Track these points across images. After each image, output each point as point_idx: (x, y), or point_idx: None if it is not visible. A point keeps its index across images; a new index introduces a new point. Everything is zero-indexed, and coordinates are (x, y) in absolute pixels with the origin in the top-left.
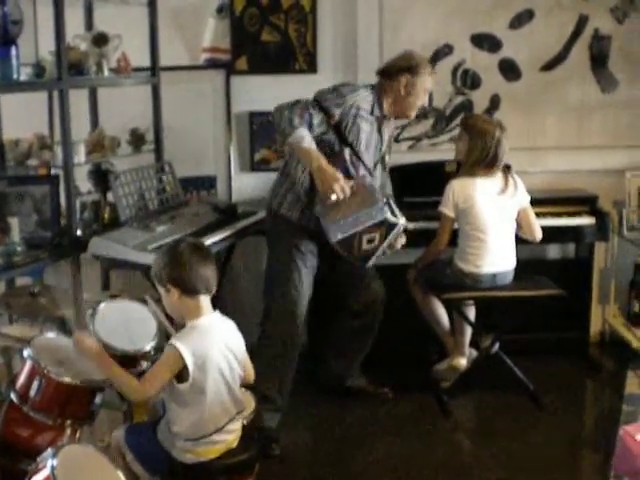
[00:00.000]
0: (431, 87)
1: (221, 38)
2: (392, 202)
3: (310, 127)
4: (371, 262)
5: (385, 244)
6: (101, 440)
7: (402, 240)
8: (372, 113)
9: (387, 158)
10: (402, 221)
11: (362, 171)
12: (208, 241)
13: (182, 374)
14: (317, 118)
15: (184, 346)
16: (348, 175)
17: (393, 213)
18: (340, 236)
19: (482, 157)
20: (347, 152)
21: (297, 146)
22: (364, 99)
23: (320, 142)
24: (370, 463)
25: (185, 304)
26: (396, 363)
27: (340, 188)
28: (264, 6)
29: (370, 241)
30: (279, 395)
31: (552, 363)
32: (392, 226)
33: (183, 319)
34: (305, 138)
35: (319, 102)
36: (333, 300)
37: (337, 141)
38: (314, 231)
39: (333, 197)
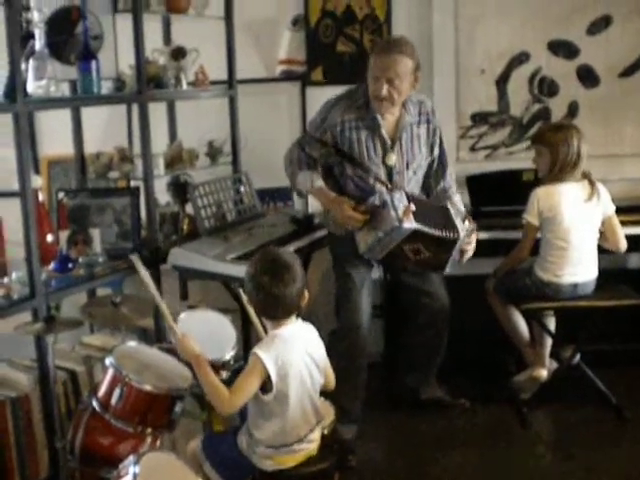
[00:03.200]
0: (380, 74)
1: (296, 50)
2: (452, 210)
3: (313, 161)
4: (447, 269)
5: (453, 252)
6: (181, 449)
7: (471, 245)
8: (361, 118)
9: (424, 158)
10: (446, 233)
11: (376, 184)
12: None
13: (265, 384)
14: (314, 150)
15: (266, 355)
16: (363, 192)
17: (448, 223)
18: (379, 256)
19: (568, 162)
20: (350, 170)
21: (306, 190)
22: (348, 109)
23: (330, 168)
24: (446, 475)
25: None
26: (474, 374)
27: (351, 221)
28: (339, 17)
29: (416, 252)
30: (353, 406)
31: (635, 375)
32: (442, 238)
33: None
34: (308, 181)
35: (310, 134)
36: (403, 312)
37: (343, 162)
38: None
39: (350, 228)
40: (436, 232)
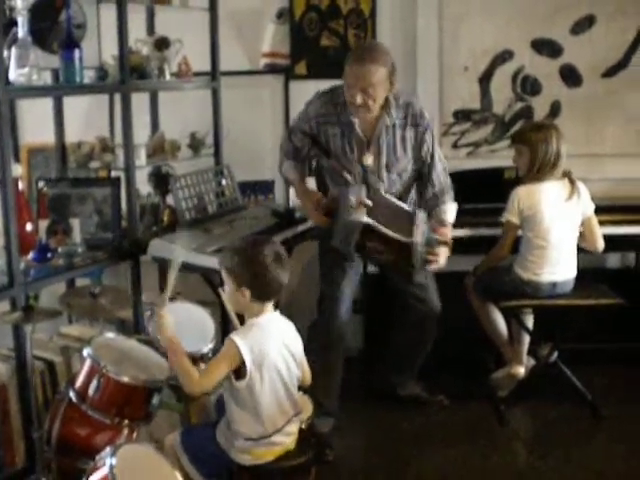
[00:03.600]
0: (353, 83)
1: (280, 43)
2: (419, 217)
3: (298, 153)
4: (417, 263)
5: (413, 260)
6: (157, 441)
7: (437, 257)
8: (338, 114)
9: (405, 163)
10: (398, 235)
11: (348, 177)
12: None
13: (240, 371)
14: (299, 142)
15: (243, 342)
16: (337, 185)
17: (405, 227)
18: (346, 249)
19: (547, 161)
20: (326, 162)
21: (287, 179)
22: (325, 104)
23: (312, 160)
24: (424, 471)
25: (251, 305)
26: (453, 371)
27: (312, 214)
28: (323, 11)
29: (380, 252)
30: (327, 399)
31: (611, 373)
32: (395, 240)
33: (242, 312)
34: (289, 171)
35: (296, 126)
36: (388, 309)
37: (321, 155)
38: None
39: (315, 221)
40: (388, 232)
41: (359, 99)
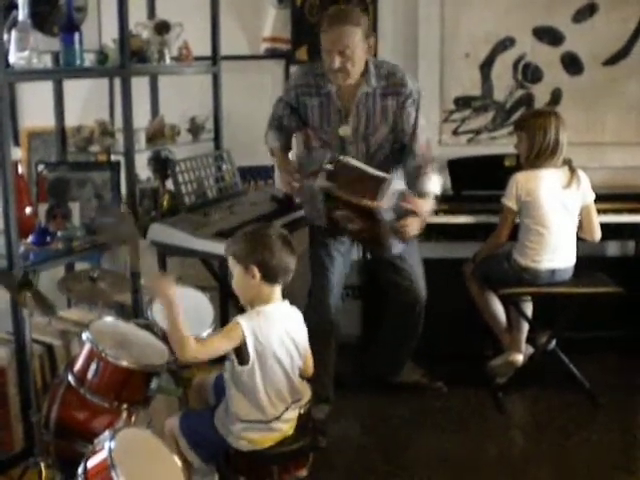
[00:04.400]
0: (330, 47)
1: (281, 28)
2: (390, 184)
3: (281, 125)
4: (391, 249)
5: (381, 228)
6: (155, 425)
7: (406, 228)
8: (316, 85)
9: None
10: (361, 200)
11: (322, 147)
12: None
13: (243, 356)
14: (282, 111)
15: (247, 324)
16: (315, 156)
17: (372, 193)
18: (319, 221)
19: (545, 148)
20: (307, 132)
21: (271, 149)
22: (305, 75)
23: (293, 131)
24: (421, 456)
25: (261, 288)
26: (451, 358)
27: (286, 182)
28: None
29: (350, 220)
30: (321, 386)
31: (610, 361)
32: (359, 206)
33: (250, 302)
34: (269, 140)
35: (281, 95)
36: (382, 293)
37: (300, 125)
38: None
39: (285, 190)
40: (350, 197)
41: (337, 62)
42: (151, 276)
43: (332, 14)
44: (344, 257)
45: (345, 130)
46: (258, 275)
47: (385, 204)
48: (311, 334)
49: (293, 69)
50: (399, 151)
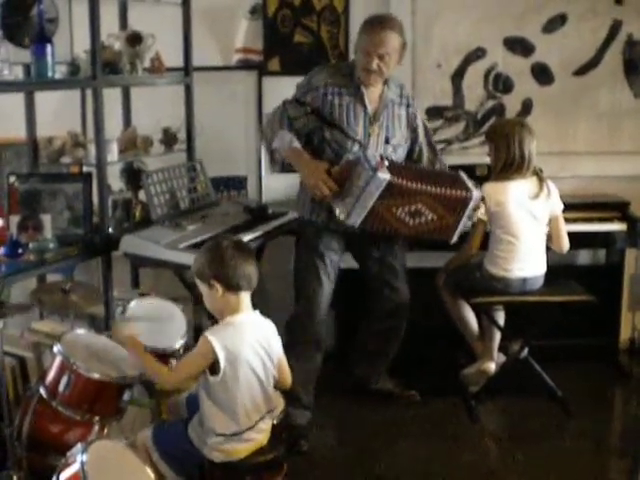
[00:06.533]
0: (372, 49)
1: (254, 39)
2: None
3: (290, 126)
4: (456, 235)
5: (464, 216)
6: (128, 437)
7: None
8: (345, 85)
9: (399, 137)
10: (450, 191)
11: (353, 147)
12: None
13: (215, 367)
14: (293, 112)
15: (216, 339)
16: (340, 155)
17: (457, 183)
18: (358, 219)
19: (509, 159)
20: (328, 133)
21: (282, 150)
22: (334, 75)
23: (309, 133)
24: (395, 465)
25: (227, 300)
26: (424, 367)
27: (323, 181)
28: (297, 7)
29: (416, 214)
30: (304, 393)
31: (581, 369)
32: (446, 197)
33: (221, 314)
34: (285, 140)
35: (295, 96)
36: (361, 303)
37: (322, 126)
38: (343, 232)
39: (319, 194)
40: (432, 189)
41: (374, 65)
42: (117, 331)
43: (377, 18)
44: (332, 265)
45: (373, 130)
46: (220, 289)
47: (476, 193)
48: (297, 342)
49: (266, 80)
50: (407, 158)
